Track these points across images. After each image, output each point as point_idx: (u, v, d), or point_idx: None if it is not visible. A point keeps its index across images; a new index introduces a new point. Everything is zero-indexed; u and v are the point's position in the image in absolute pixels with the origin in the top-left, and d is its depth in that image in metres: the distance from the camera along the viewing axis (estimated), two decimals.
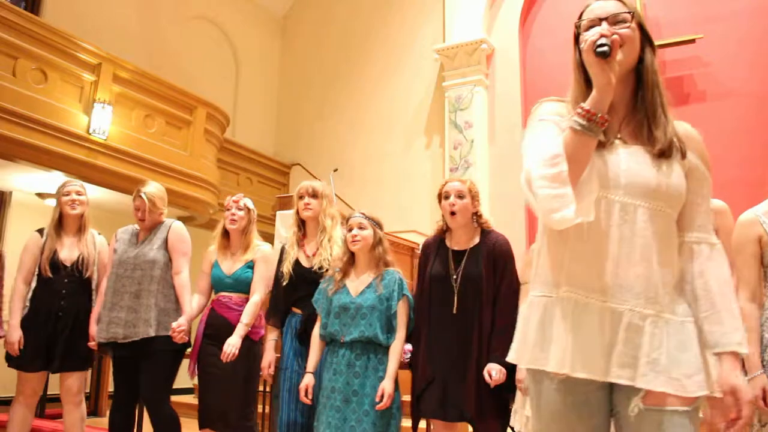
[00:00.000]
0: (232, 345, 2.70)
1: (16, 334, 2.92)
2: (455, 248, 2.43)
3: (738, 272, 2.08)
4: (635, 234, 1.24)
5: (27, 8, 5.93)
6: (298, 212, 2.79)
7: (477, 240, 2.42)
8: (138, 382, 2.86)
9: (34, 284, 3.04)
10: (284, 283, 2.70)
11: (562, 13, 6.64)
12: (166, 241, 2.97)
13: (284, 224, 4.23)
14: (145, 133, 5.82)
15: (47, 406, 4.75)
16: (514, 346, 1.38)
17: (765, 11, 5.66)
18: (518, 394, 2.57)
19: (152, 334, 2.80)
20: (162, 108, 6.01)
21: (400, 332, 2.39)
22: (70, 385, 3.05)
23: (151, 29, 7.09)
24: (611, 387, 1.30)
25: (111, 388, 3.51)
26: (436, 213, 2.55)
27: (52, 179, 5.38)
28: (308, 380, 2.43)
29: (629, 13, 1.32)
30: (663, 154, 1.29)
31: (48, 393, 4.38)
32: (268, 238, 3.52)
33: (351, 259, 2.50)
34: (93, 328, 3.00)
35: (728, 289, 1.29)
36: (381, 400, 2.29)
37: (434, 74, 7.29)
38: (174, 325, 2.80)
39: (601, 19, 1.31)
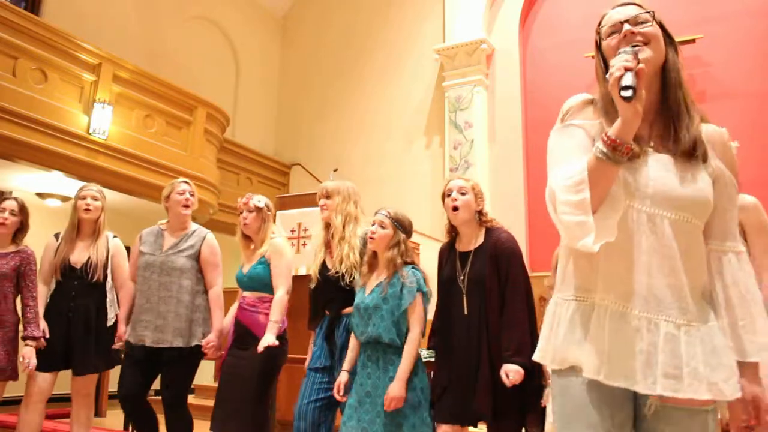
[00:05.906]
0: (265, 342, 2.59)
1: (42, 323, 2.99)
2: (462, 250, 2.42)
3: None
4: (663, 245, 1.24)
5: (27, 8, 5.92)
6: None
7: (481, 240, 2.40)
8: (152, 376, 2.94)
9: (53, 287, 3.13)
10: (311, 287, 2.71)
11: (562, 13, 6.65)
12: (198, 252, 3.00)
13: (284, 224, 4.22)
14: (145, 133, 5.82)
15: (47, 405, 4.73)
16: (539, 345, 1.36)
17: (765, 11, 5.66)
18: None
19: (182, 345, 2.85)
20: (162, 108, 6.01)
21: (412, 332, 2.31)
22: (82, 386, 3.09)
23: (151, 29, 7.09)
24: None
25: (111, 388, 3.51)
26: (437, 213, 2.54)
27: (52, 179, 5.38)
28: (341, 378, 2.42)
29: (649, 13, 1.32)
30: (687, 154, 1.28)
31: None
32: None
33: (375, 255, 2.45)
34: (121, 328, 3.02)
35: (759, 297, 1.30)
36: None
37: (434, 74, 7.29)
38: (204, 342, 2.86)
39: (622, 23, 1.32)
